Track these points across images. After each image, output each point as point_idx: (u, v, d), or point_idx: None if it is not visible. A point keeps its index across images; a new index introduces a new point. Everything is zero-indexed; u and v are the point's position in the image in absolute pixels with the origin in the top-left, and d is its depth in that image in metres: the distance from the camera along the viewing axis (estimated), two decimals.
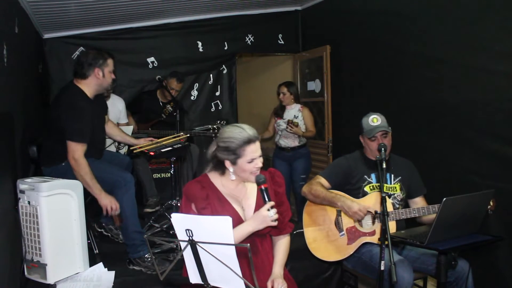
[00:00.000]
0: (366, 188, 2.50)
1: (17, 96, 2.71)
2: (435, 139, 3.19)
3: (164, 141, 3.00)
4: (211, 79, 4.80)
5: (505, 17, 2.63)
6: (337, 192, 2.47)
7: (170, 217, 1.69)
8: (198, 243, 1.54)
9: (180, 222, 1.56)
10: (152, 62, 4.48)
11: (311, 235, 2.55)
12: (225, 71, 4.86)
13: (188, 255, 1.60)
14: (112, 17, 3.93)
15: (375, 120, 2.48)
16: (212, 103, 4.84)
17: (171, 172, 3.65)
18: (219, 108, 4.86)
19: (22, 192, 2.31)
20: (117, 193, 2.60)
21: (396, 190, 2.52)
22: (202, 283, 1.63)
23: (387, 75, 3.67)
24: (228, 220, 1.48)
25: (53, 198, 2.29)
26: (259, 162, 1.87)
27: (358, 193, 2.50)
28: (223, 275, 1.57)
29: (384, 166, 2.08)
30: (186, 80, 4.36)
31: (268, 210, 1.79)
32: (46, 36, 4.09)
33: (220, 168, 1.93)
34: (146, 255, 2.65)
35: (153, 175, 3.93)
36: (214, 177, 1.97)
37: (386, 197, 2.06)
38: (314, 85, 4.70)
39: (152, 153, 2.91)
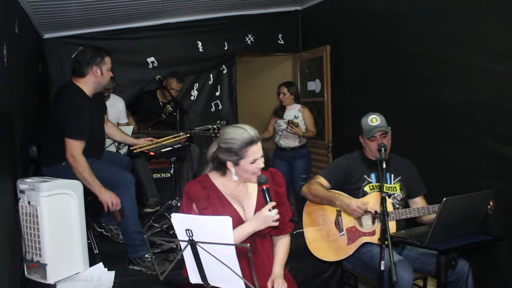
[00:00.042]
0: (366, 188, 2.50)
1: (17, 96, 2.71)
2: (435, 139, 3.19)
3: (164, 141, 3.00)
4: (211, 79, 4.80)
5: (505, 17, 2.63)
6: (336, 191, 2.47)
7: (170, 217, 1.69)
8: (198, 243, 1.54)
9: (180, 222, 1.56)
10: (152, 62, 4.48)
11: (311, 235, 2.55)
12: (225, 71, 4.86)
13: (188, 255, 1.60)
14: (112, 17, 3.93)
15: (374, 120, 2.48)
16: (212, 103, 4.84)
17: (171, 172, 3.65)
18: (219, 108, 4.87)
19: (22, 192, 2.31)
20: (117, 193, 2.59)
21: (396, 190, 2.52)
22: (202, 283, 1.63)
23: (387, 75, 3.67)
24: (228, 220, 1.48)
25: (53, 198, 2.29)
26: (261, 163, 1.87)
27: (358, 193, 2.50)
28: (223, 275, 1.57)
29: (384, 166, 2.09)
30: (186, 80, 4.36)
31: (270, 210, 1.79)
32: (46, 36, 4.10)
33: (221, 168, 1.93)
34: (146, 255, 2.65)
35: (153, 175, 3.93)
36: (215, 177, 1.96)
37: (386, 197, 2.06)
38: (314, 85, 4.70)
39: (152, 153, 2.91)
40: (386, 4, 3.63)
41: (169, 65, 4.43)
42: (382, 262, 1.91)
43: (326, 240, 2.52)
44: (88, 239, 2.61)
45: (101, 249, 2.83)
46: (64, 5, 3.29)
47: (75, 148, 2.51)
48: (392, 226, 2.34)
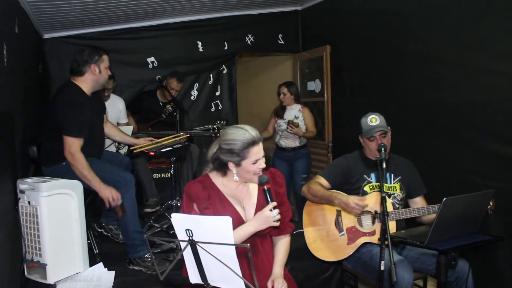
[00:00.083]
0: (366, 188, 2.51)
1: (17, 96, 2.71)
2: (435, 139, 3.19)
3: (164, 141, 3.00)
4: (211, 79, 4.80)
5: (505, 17, 2.63)
6: (334, 191, 2.47)
7: (170, 217, 1.69)
8: (198, 243, 1.54)
9: (180, 222, 1.56)
10: (152, 62, 4.48)
11: (311, 235, 2.55)
12: (225, 71, 4.86)
13: (188, 255, 1.60)
14: (112, 17, 3.93)
15: (373, 120, 2.48)
16: (212, 103, 4.84)
17: (171, 172, 3.66)
18: (219, 108, 4.86)
19: (22, 192, 2.31)
20: None
21: (396, 190, 2.52)
22: (202, 283, 1.63)
23: (387, 75, 3.67)
24: (228, 220, 1.48)
25: (53, 198, 2.29)
26: (262, 163, 1.87)
27: (358, 193, 2.50)
28: (223, 275, 1.57)
29: (384, 166, 2.09)
30: (186, 80, 4.36)
31: (271, 210, 1.79)
32: (46, 36, 4.10)
33: (223, 169, 1.93)
34: (146, 255, 2.65)
35: (153, 175, 3.93)
36: (215, 177, 1.96)
37: (386, 197, 2.06)
38: (314, 85, 4.70)
39: (152, 153, 2.91)
40: (386, 4, 3.63)
41: (169, 65, 4.42)
42: (382, 262, 1.91)
43: (326, 240, 2.52)
44: (88, 239, 2.61)
45: (101, 249, 2.83)
46: (64, 5, 3.29)
47: (73, 145, 2.51)
48: (392, 226, 2.34)
